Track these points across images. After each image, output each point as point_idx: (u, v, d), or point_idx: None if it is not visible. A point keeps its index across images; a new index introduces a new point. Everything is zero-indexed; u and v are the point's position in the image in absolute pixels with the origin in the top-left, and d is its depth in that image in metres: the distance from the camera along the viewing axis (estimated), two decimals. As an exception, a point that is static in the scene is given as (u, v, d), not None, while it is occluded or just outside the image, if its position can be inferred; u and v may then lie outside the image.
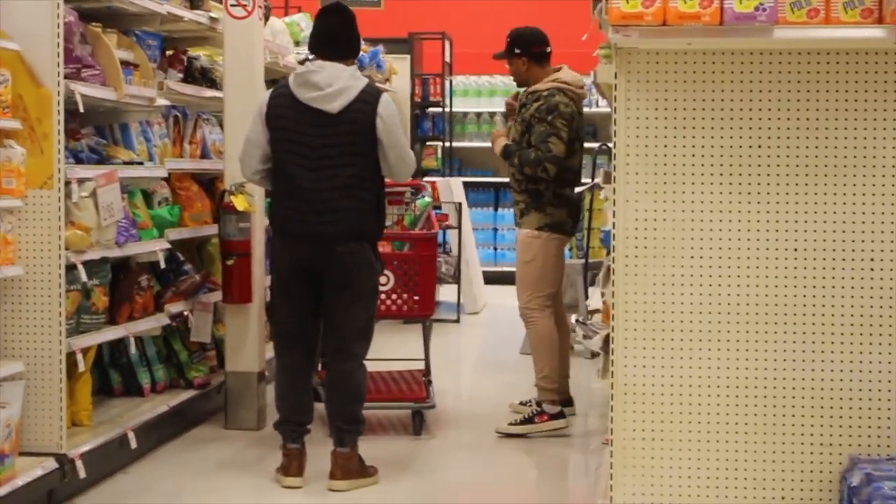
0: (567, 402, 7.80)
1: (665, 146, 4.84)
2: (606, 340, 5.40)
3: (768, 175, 4.81)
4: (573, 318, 7.88)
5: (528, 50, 7.67)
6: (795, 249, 4.81)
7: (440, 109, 14.86)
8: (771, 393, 4.86)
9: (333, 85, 6.27)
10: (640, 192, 4.86)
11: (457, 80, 15.77)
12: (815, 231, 4.81)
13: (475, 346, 11.83)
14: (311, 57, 6.64)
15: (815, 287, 4.83)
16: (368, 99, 6.30)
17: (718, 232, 4.84)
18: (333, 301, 6.38)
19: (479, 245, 15.17)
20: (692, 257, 4.86)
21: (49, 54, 5.85)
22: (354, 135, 6.27)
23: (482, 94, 16.14)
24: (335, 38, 6.46)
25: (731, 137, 4.82)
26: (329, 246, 6.27)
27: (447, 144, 15.21)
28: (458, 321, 12.34)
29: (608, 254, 7.09)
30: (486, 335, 12.29)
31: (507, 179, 7.98)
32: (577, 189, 7.66)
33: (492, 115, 16.04)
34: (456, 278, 11.85)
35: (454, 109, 15.45)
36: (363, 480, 6.43)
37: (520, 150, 7.50)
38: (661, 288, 4.87)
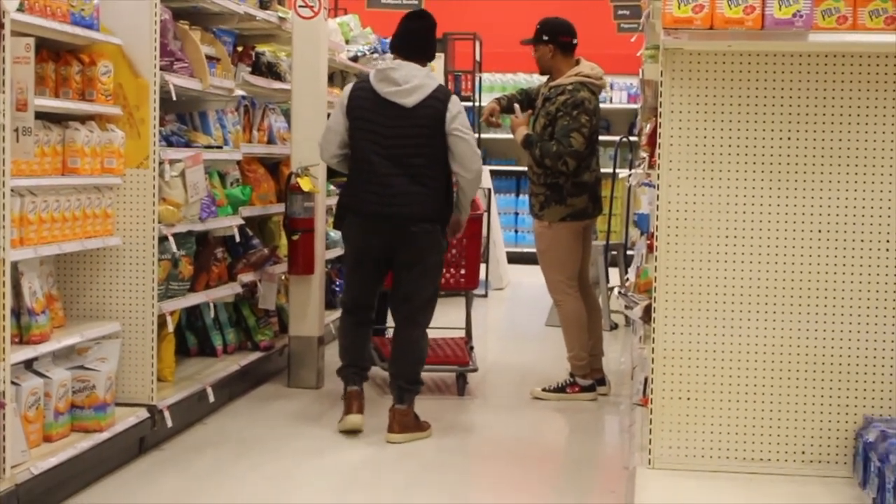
0: (600, 380, 7.69)
1: (704, 137, 4.97)
2: (647, 310, 5.53)
3: (796, 164, 4.93)
4: (616, 290, 7.91)
5: (555, 38, 7.47)
6: (820, 231, 4.94)
7: (470, 104, 14.95)
8: (794, 358, 4.98)
9: (410, 82, 6.41)
10: (681, 177, 4.99)
11: (485, 77, 15.87)
12: (836, 214, 4.93)
13: (503, 318, 11.97)
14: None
15: (835, 264, 4.94)
16: (440, 97, 6.44)
17: (750, 214, 4.96)
18: (404, 275, 6.53)
19: (503, 228, 15.29)
20: (726, 236, 4.98)
21: (147, 48, 5.99)
22: (426, 128, 6.41)
23: (507, 90, 16.13)
24: (417, 40, 6.60)
25: (764, 130, 4.94)
26: (403, 225, 6.40)
27: (476, 136, 15.29)
28: (486, 296, 12.51)
29: (642, 234, 7.24)
30: (511, 309, 12.43)
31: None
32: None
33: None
34: (484, 258, 12.02)
35: (482, 104, 15.54)
36: (418, 434, 6.58)
37: (541, 142, 7.33)
38: (698, 263, 5.00)
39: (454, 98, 6.52)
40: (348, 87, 6.67)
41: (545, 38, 7.52)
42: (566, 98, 7.35)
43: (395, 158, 6.41)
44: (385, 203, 6.41)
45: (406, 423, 6.55)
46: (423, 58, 6.59)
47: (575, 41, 7.57)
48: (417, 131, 6.42)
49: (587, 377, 7.59)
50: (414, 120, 6.41)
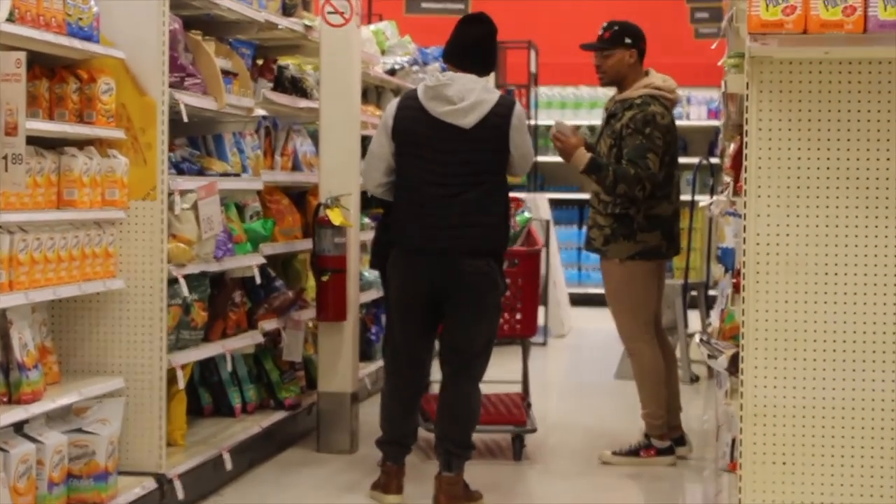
0: (679, 440, 7.63)
1: (798, 158, 4.92)
2: (733, 360, 5.48)
3: (906, 189, 4.89)
4: (697, 336, 7.87)
5: (638, 44, 7.44)
6: (936, 266, 4.88)
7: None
8: (908, 416, 4.93)
9: (466, 99, 6.37)
10: (772, 206, 4.93)
11: (542, 92, 15.90)
12: (955, 248, 4.88)
13: (565, 370, 11.95)
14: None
15: (954, 306, 4.89)
16: (503, 112, 6.41)
17: (854, 248, 4.90)
18: (456, 320, 6.50)
19: (564, 265, 15.25)
20: (826, 273, 4.92)
21: (154, 62, 6.03)
22: (488, 152, 6.41)
23: (567, 106, 16.25)
24: (474, 48, 6.58)
25: (869, 150, 4.88)
26: (456, 262, 6.38)
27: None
28: (545, 344, 12.50)
29: (726, 272, 7.20)
30: (575, 359, 12.40)
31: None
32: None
33: (577, 129, 16.12)
34: (543, 300, 12.00)
35: (539, 122, 15.57)
36: None
37: (615, 166, 7.23)
38: (793, 305, 4.93)
39: (517, 109, 6.49)
40: (392, 105, 6.65)
41: (628, 40, 7.45)
42: (634, 113, 7.30)
43: (451, 186, 6.38)
44: (436, 237, 6.39)
45: (454, 494, 6.52)
46: (482, 69, 6.56)
47: (645, 49, 7.56)
48: (478, 156, 6.40)
49: (664, 438, 7.54)
50: (474, 143, 6.38)
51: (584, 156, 7.30)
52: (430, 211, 6.42)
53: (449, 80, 6.45)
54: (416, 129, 6.46)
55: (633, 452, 7.56)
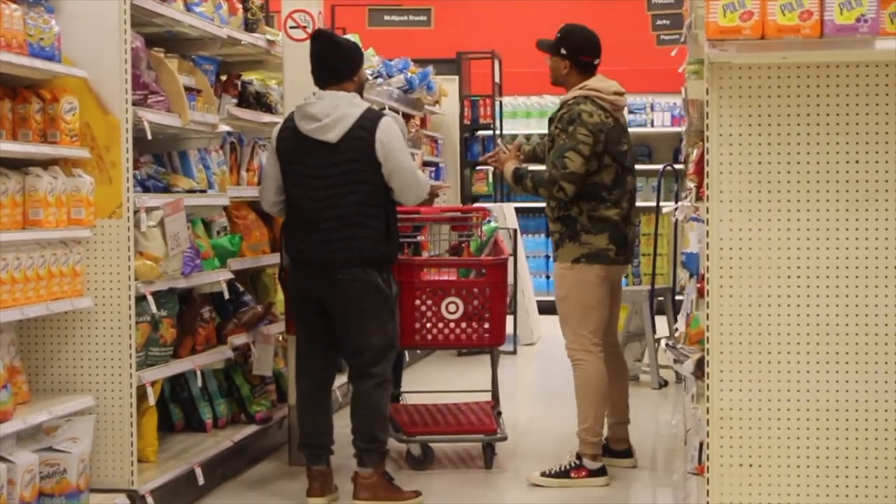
0: (626, 452, 7.52)
1: (759, 163, 4.95)
2: (699, 364, 5.50)
3: (866, 191, 4.90)
4: (663, 341, 7.82)
5: (575, 56, 7.29)
6: (899, 267, 4.91)
7: (490, 132, 14.98)
8: (872, 416, 4.93)
9: (331, 115, 6.65)
10: (733, 210, 4.97)
11: (506, 102, 15.91)
12: (919, 249, 4.91)
13: (535, 378, 11.94)
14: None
15: (920, 307, 4.92)
16: (367, 125, 6.65)
17: (817, 251, 4.93)
18: (344, 327, 6.79)
19: (532, 273, 15.21)
20: (789, 276, 4.95)
21: (117, 81, 6.04)
22: (355, 162, 6.65)
23: (532, 115, 16.27)
24: (320, 64, 6.87)
25: (829, 153, 4.92)
26: (331, 274, 6.66)
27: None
28: (514, 353, 12.49)
29: (691, 277, 7.22)
30: (544, 367, 12.38)
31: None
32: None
33: (542, 136, 16.13)
34: (511, 308, 11.98)
35: (504, 132, 15.57)
36: (395, 503, 6.71)
37: (532, 172, 7.20)
38: (757, 309, 4.97)
39: (385, 121, 6.71)
40: (276, 127, 6.95)
41: (563, 51, 7.32)
42: (562, 113, 7.19)
43: (325, 200, 6.68)
44: (314, 250, 6.70)
45: (369, 488, 6.72)
46: (339, 80, 6.79)
47: (596, 62, 7.39)
48: (347, 167, 6.65)
49: (597, 459, 7.25)
50: (341, 156, 6.65)
51: (508, 169, 7.46)
52: (310, 226, 6.71)
53: (316, 99, 6.75)
54: (290, 147, 6.77)
55: (564, 473, 7.26)
